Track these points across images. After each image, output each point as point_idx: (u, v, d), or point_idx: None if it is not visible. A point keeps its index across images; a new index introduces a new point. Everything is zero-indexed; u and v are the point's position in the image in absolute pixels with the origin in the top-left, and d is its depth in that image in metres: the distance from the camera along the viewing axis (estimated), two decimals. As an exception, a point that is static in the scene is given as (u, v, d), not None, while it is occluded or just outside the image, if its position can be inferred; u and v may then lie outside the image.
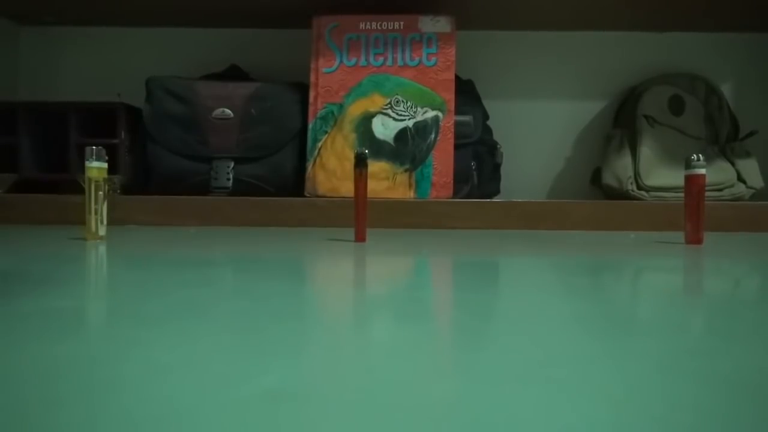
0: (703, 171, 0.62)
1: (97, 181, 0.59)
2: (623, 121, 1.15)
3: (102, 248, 0.53)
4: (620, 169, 1.09)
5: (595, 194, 1.20)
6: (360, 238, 0.62)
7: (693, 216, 0.62)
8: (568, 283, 0.36)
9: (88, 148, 0.59)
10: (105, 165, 0.60)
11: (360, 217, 0.62)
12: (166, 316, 0.25)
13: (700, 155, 0.62)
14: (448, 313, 0.26)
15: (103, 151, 0.60)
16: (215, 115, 1.03)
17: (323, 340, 0.21)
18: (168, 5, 1.11)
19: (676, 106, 1.13)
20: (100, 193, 0.59)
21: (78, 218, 0.95)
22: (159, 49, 1.23)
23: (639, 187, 1.08)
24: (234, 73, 1.13)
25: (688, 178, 0.63)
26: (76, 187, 1.03)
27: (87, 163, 0.59)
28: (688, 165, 0.63)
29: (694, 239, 0.63)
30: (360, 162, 0.61)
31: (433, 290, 0.33)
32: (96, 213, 0.59)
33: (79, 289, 0.32)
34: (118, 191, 1.04)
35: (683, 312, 0.27)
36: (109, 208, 0.99)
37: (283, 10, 1.12)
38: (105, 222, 0.60)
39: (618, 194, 1.09)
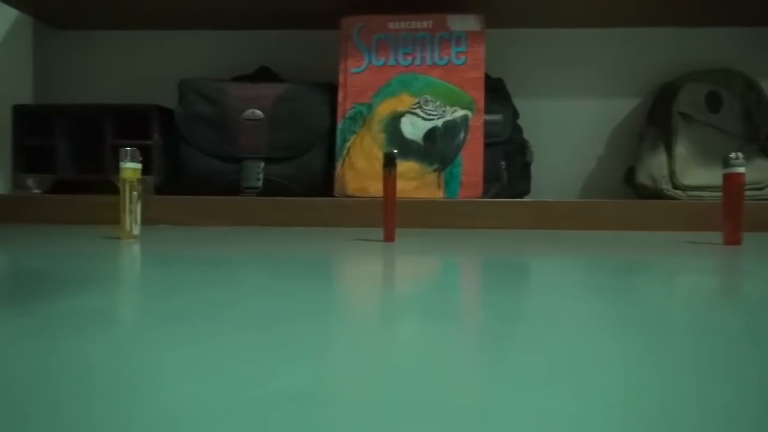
0: (742, 169, 0.61)
1: (131, 182, 0.60)
2: (657, 119, 1.13)
3: (136, 248, 0.54)
4: (655, 167, 1.07)
5: (628, 194, 1.18)
6: (389, 238, 0.62)
7: (732, 216, 0.61)
8: (597, 284, 0.35)
9: (122, 150, 0.60)
10: (139, 166, 0.61)
11: (389, 217, 0.62)
12: (193, 314, 0.25)
13: (739, 153, 0.61)
14: (474, 315, 0.26)
15: (138, 153, 0.61)
16: (245, 116, 1.04)
17: (347, 341, 0.21)
18: (200, 9, 1.13)
19: (713, 102, 1.10)
20: (135, 193, 0.60)
21: (112, 218, 0.97)
22: (192, 52, 1.25)
23: (675, 186, 1.05)
24: (264, 75, 1.14)
25: (727, 177, 0.61)
26: (110, 187, 1.05)
27: (121, 164, 0.60)
28: (727, 163, 0.61)
29: (733, 240, 0.61)
30: (389, 162, 0.61)
31: (460, 291, 0.33)
32: (130, 213, 0.60)
33: (113, 288, 0.32)
34: (152, 191, 1.06)
35: (717, 316, 0.26)
36: (142, 208, 1.01)
37: (312, 11, 1.12)
38: (139, 222, 0.61)
39: (652, 193, 1.06)
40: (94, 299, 0.29)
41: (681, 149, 1.06)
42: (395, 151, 0.62)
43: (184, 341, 0.21)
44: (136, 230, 0.61)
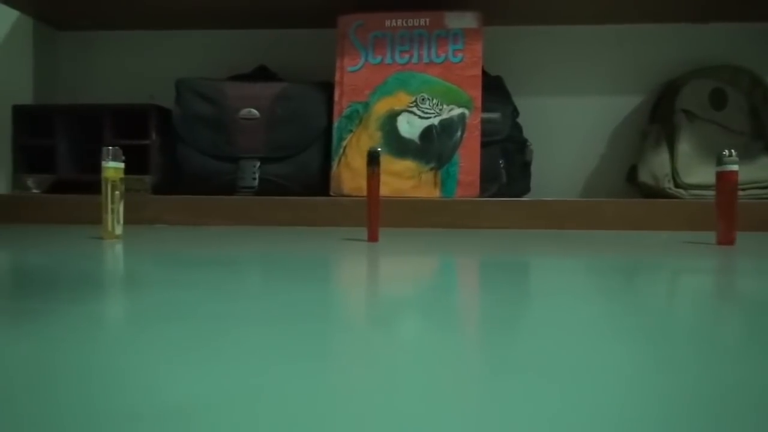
0: (735, 167, 0.59)
1: (113, 181, 0.60)
2: (660, 117, 1.11)
3: (116, 248, 0.54)
4: (657, 166, 1.05)
5: (630, 192, 1.16)
6: (373, 237, 0.61)
7: (725, 215, 0.59)
8: (575, 285, 0.34)
9: (104, 149, 0.59)
10: (122, 165, 0.61)
11: (373, 216, 0.61)
12: (150, 317, 0.24)
13: (733, 151, 0.59)
14: (440, 318, 0.25)
15: (120, 152, 0.60)
16: (242, 115, 1.04)
17: (277, 345, 0.20)
18: (198, 8, 1.13)
19: (718, 100, 1.07)
20: (117, 192, 0.60)
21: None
22: (190, 52, 1.25)
23: (677, 185, 1.03)
24: (262, 74, 1.14)
25: (720, 175, 0.59)
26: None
27: (103, 164, 0.59)
28: (720, 161, 0.60)
29: (726, 240, 0.59)
30: (372, 160, 0.60)
31: (429, 292, 0.32)
32: (113, 212, 0.60)
33: (73, 290, 0.32)
34: (149, 191, 1.06)
35: (692, 319, 0.25)
36: (140, 207, 1.01)
37: (309, 9, 1.12)
38: (122, 221, 0.61)
39: (654, 192, 1.04)
40: (36, 303, 0.28)
41: (684, 147, 1.04)
42: (379, 149, 0.61)
43: (128, 345, 0.20)
44: (119, 230, 0.61)
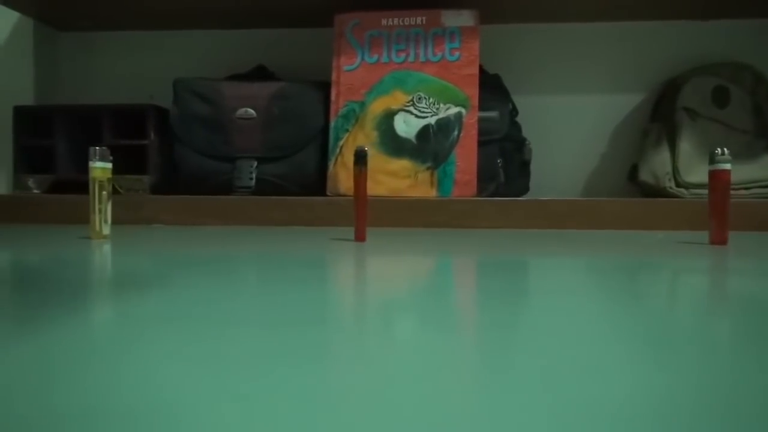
0: (728, 166, 0.58)
1: (100, 181, 0.60)
2: (661, 115, 1.09)
3: (101, 248, 0.54)
4: (657, 165, 1.03)
5: (632, 192, 1.15)
6: (360, 237, 0.61)
7: (718, 214, 0.58)
8: (552, 285, 0.33)
9: (91, 149, 0.60)
10: (109, 165, 0.61)
11: (360, 215, 0.61)
12: (115, 318, 0.24)
13: (725, 149, 0.58)
14: (414, 320, 0.24)
15: (107, 152, 0.60)
16: (239, 115, 1.04)
17: (244, 347, 0.20)
18: (197, 8, 1.13)
19: (720, 97, 1.06)
20: (104, 192, 0.60)
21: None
22: (190, 52, 1.26)
23: (678, 184, 1.02)
24: (260, 73, 1.14)
25: (713, 174, 0.58)
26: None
27: (90, 164, 0.60)
28: (713, 159, 0.58)
29: (719, 239, 0.58)
30: (359, 159, 0.60)
31: (407, 293, 0.31)
32: (100, 212, 0.60)
33: (43, 289, 0.32)
34: (147, 191, 1.06)
35: (667, 319, 0.24)
36: (137, 207, 1.02)
37: (307, 8, 1.12)
38: (109, 221, 0.61)
39: (655, 191, 1.03)
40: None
41: (685, 146, 1.02)
42: (366, 148, 0.61)
43: (79, 345, 0.20)
44: (106, 230, 0.61)
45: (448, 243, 0.63)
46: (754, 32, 1.14)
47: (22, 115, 1.10)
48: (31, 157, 1.11)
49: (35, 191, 1.10)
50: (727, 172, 0.57)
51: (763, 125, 1.06)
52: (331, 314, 0.25)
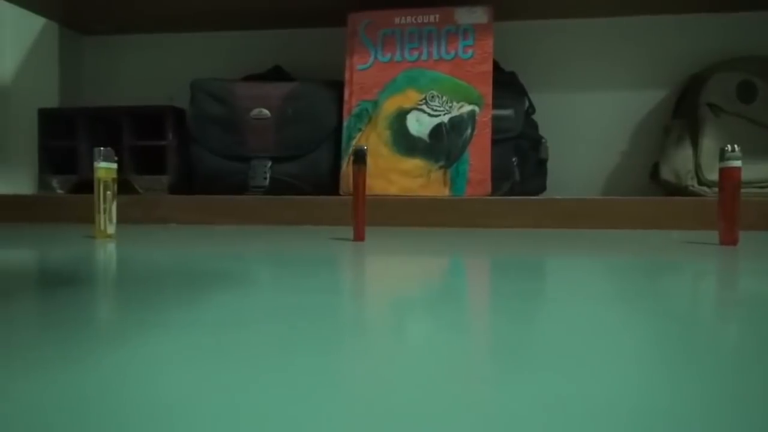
0: (738, 163, 0.55)
1: (105, 181, 0.61)
2: (684, 112, 1.06)
3: (104, 247, 0.55)
4: (679, 163, 1.00)
5: (654, 190, 1.11)
6: (359, 237, 0.60)
7: (727, 214, 0.56)
8: (548, 286, 0.32)
9: (96, 149, 0.61)
10: (114, 165, 0.62)
11: (359, 215, 0.60)
12: (93, 319, 0.25)
13: (736, 146, 0.55)
14: (395, 329, 0.24)
15: (112, 152, 0.61)
16: (253, 115, 1.05)
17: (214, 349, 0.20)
18: (216, 10, 1.14)
19: (746, 92, 1.02)
20: (109, 192, 0.61)
21: (128, 216, 1.00)
22: (209, 53, 1.27)
23: (700, 182, 0.99)
24: (276, 74, 1.15)
25: (722, 172, 0.56)
26: (128, 187, 1.08)
27: (95, 164, 0.61)
28: (723, 156, 0.56)
29: (729, 239, 0.56)
30: (359, 158, 0.60)
31: (398, 296, 0.31)
32: (105, 212, 0.61)
33: (36, 288, 0.32)
34: (166, 191, 1.08)
35: (660, 322, 0.23)
36: (154, 206, 1.03)
37: (321, 8, 1.12)
38: (114, 221, 0.62)
39: (677, 190, 1.00)
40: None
41: (708, 143, 0.99)
42: (365, 147, 0.61)
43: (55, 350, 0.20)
44: (111, 229, 0.62)
45: (451, 243, 0.62)
46: (783, 24, 1.09)
47: (46, 117, 1.13)
48: (55, 158, 1.14)
49: (59, 191, 1.12)
50: (738, 169, 0.55)
51: (792, 121, 1.01)
52: (302, 315, 0.25)
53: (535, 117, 1.09)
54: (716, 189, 0.97)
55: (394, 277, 0.37)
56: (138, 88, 1.30)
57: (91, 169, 1.14)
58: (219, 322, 0.24)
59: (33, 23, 1.20)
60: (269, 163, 1.05)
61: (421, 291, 0.32)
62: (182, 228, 0.87)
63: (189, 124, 1.07)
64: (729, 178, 0.55)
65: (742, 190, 0.95)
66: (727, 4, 1.07)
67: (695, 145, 1.00)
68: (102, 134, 1.15)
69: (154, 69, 1.30)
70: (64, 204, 1.05)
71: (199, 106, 1.07)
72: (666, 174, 1.02)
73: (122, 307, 0.27)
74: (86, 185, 1.13)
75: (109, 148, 0.61)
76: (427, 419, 0.13)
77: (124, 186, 1.06)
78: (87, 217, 1.03)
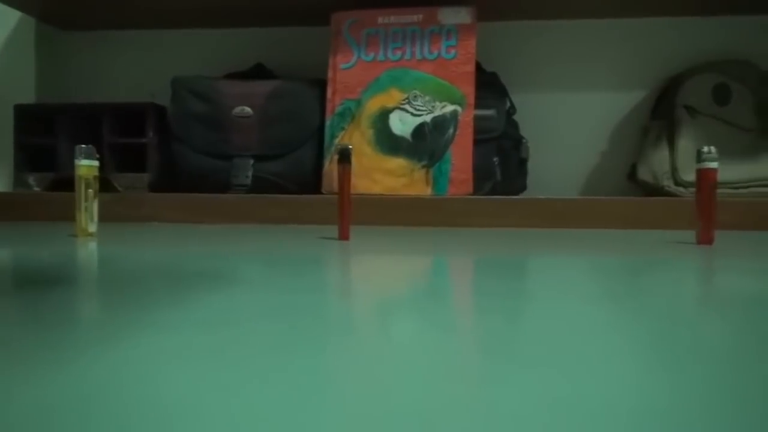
0: (715, 164, 0.57)
1: (86, 179, 0.60)
2: (661, 113, 1.08)
3: (85, 246, 0.55)
4: (656, 163, 1.02)
5: (632, 191, 1.13)
6: (344, 236, 0.61)
7: (704, 214, 0.57)
8: (521, 285, 0.33)
9: (77, 147, 0.60)
10: (96, 163, 0.61)
11: (344, 214, 0.60)
12: (72, 317, 0.24)
13: (712, 148, 0.57)
14: (376, 324, 0.24)
15: (93, 150, 0.61)
16: (236, 113, 1.04)
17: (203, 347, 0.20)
18: (198, 7, 1.13)
19: (722, 95, 1.04)
20: (90, 190, 0.61)
21: (108, 215, 0.99)
22: (191, 50, 1.26)
23: (676, 183, 1.01)
24: (258, 72, 1.14)
25: (699, 173, 0.58)
26: (107, 185, 1.07)
27: (76, 162, 0.60)
28: (699, 158, 0.58)
29: (705, 239, 0.57)
30: (343, 158, 0.60)
31: (388, 295, 0.31)
32: (86, 210, 0.61)
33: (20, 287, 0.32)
34: (147, 189, 1.07)
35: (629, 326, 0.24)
36: (136, 205, 1.02)
37: (305, 7, 1.12)
38: (95, 219, 0.62)
39: (654, 190, 1.02)
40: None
41: (684, 144, 1.01)
42: (350, 146, 0.61)
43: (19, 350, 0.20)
44: (92, 227, 0.62)
45: (436, 242, 0.62)
46: (757, 28, 1.12)
47: (22, 114, 1.11)
48: (31, 155, 1.12)
49: (36, 189, 1.11)
50: (714, 171, 0.57)
51: (766, 123, 1.04)
52: (295, 314, 0.25)
53: (515, 117, 1.10)
54: (692, 189, 0.99)
55: (383, 276, 0.37)
56: (118, 85, 1.28)
57: (70, 166, 1.13)
58: (212, 321, 0.24)
59: (8, 18, 1.18)
60: (252, 162, 1.04)
61: (410, 290, 0.32)
62: (164, 227, 0.87)
63: (170, 122, 1.06)
64: (706, 179, 0.57)
65: (717, 191, 0.98)
66: (704, 8, 1.09)
67: (672, 146, 1.02)
68: (81, 131, 1.13)
69: (134, 66, 1.28)
70: (42, 202, 1.03)
71: (181, 103, 1.06)
72: (643, 174, 1.04)
73: (112, 307, 0.27)
74: (64, 183, 1.11)
75: (90, 146, 0.60)
76: (421, 417, 0.14)
77: (103, 184, 1.05)
78: (66, 216, 1.01)
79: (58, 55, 1.29)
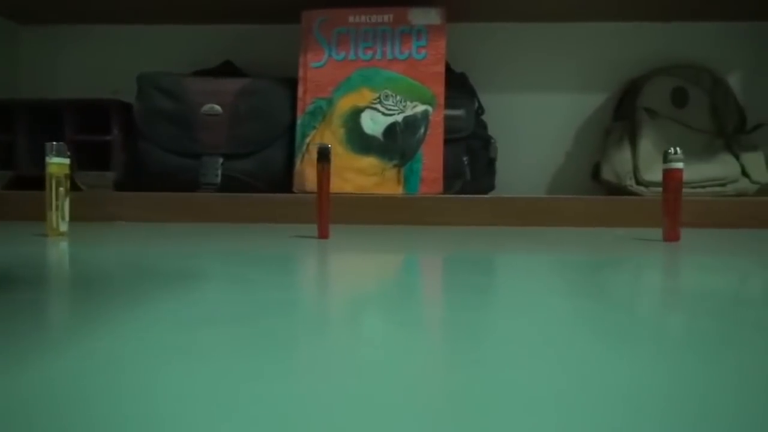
0: (680, 165, 0.59)
1: (57, 177, 0.59)
2: (623, 115, 1.12)
3: (57, 245, 0.53)
4: (619, 163, 1.05)
5: (596, 190, 1.17)
6: (323, 234, 0.61)
7: (670, 212, 0.60)
8: (493, 282, 0.34)
9: (48, 144, 0.58)
10: (67, 161, 0.60)
11: (323, 212, 0.61)
12: (65, 316, 0.24)
13: (678, 149, 0.59)
14: (362, 316, 0.25)
15: (64, 147, 0.59)
16: (204, 111, 1.03)
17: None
18: (163, 2, 1.11)
19: (679, 98, 1.08)
20: (61, 189, 0.59)
21: (73, 214, 0.96)
22: (156, 46, 1.24)
23: (638, 182, 1.04)
24: (227, 69, 1.13)
25: (666, 173, 0.60)
26: (71, 183, 1.04)
27: (47, 159, 0.58)
28: (666, 158, 0.60)
29: (672, 236, 0.60)
30: (323, 156, 0.60)
31: (366, 290, 0.31)
32: (57, 209, 0.59)
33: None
34: (111, 188, 1.05)
35: (609, 317, 0.25)
36: (101, 204, 1.00)
37: (274, 4, 1.11)
38: (67, 218, 0.60)
39: (617, 190, 1.05)
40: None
41: (645, 145, 1.05)
42: (329, 145, 0.61)
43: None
44: (64, 227, 0.60)
45: (410, 240, 0.63)
46: (713, 35, 1.17)
47: (-21, 110, 1.07)
48: (-12, 153, 1.08)
49: (-6, 187, 1.07)
50: (680, 171, 0.59)
51: (719, 125, 1.09)
52: (294, 310, 0.26)
53: (483, 117, 1.12)
54: (653, 189, 1.03)
55: (370, 273, 0.38)
56: (78, 81, 1.25)
57: (29, 164, 1.09)
58: (205, 320, 0.24)
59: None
60: (221, 160, 1.03)
61: (401, 286, 0.33)
62: (132, 226, 0.85)
63: (136, 119, 1.04)
64: (672, 179, 0.59)
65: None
66: (664, 14, 1.14)
67: (633, 147, 1.06)
68: (41, 128, 1.10)
69: (96, 61, 1.25)
70: (2, 201, 1.00)
71: (147, 100, 1.04)
72: (607, 174, 1.07)
73: (108, 305, 0.26)
74: (24, 181, 1.08)
75: (61, 143, 0.59)
76: (416, 412, 0.14)
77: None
78: (28, 215, 0.98)
79: (16, 50, 1.25)
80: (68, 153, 0.60)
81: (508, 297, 0.29)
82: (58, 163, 0.59)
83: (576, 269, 0.41)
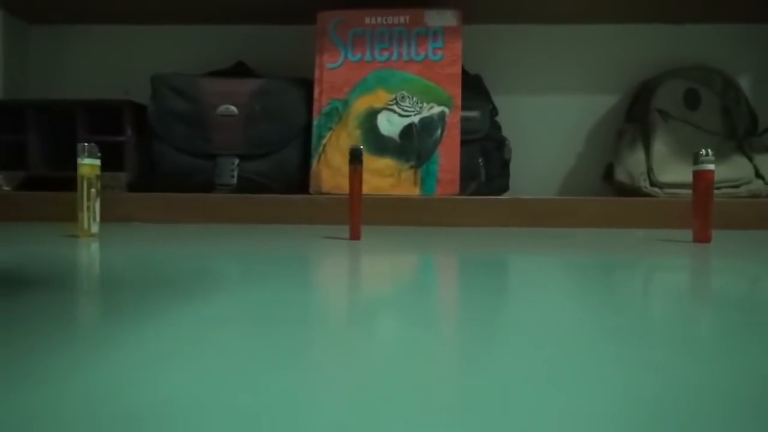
0: (712, 166, 0.60)
1: (89, 178, 0.59)
2: (636, 116, 1.12)
3: (92, 247, 0.53)
4: (632, 165, 1.06)
5: (607, 191, 1.17)
6: (355, 236, 0.61)
7: (701, 213, 0.60)
8: (556, 283, 0.34)
9: (80, 145, 0.58)
10: (98, 162, 0.60)
11: (355, 214, 0.61)
12: (126, 317, 0.24)
13: (709, 150, 0.60)
14: (421, 318, 0.25)
15: (96, 148, 0.59)
16: (219, 112, 1.03)
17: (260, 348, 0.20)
18: (175, 2, 1.11)
19: (691, 100, 1.09)
20: (93, 190, 0.59)
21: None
22: (167, 47, 1.23)
23: (652, 184, 1.05)
24: (240, 70, 1.13)
25: (697, 174, 0.60)
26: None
27: (79, 160, 0.58)
28: (697, 160, 0.61)
29: (702, 237, 0.60)
30: (355, 158, 0.60)
31: (414, 291, 0.31)
32: (89, 210, 0.59)
33: (50, 289, 0.31)
34: (125, 188, 1.04)
35: (674, 317, 0.25)
36: (115, 205, 0.99)
37: (289, 5, 1.11)
38: (98, 219, 0.60)
39: (630, 191, 1.06)
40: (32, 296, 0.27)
41: (659, 146, 1.05)
42: (362, 147, 0.61)
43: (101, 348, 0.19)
44: (95, 228, 0.60)
45: (439, 241, 0.63)
46: (725, 37, 1.18)
47: (-10, 110, 1.06)
48: (0, 154, 1.07)
49: (5, 188, 1.06)
50: (711, 172, 0.60)
51: (731, 127, 1.10)
52: (337, 312, 0.26)
53: (497, 119, 1.12)
54: (667, 190, 1.04)
55: (414, 275, 0.38)
56: (89, 81, 1.24)
57: (41, 164, 1.08)
58: (279, 318, 0.24)
59: (-27, 9, 1.13)
60: (236, 161, 1.03)
61: (456, 283, 0.33)
62: (150, 226, 0.85)
63: (151, 120, 1.03)
64: (703, 180, 0.60)
65: (688, 191, 1.02)
66: (676, 16, 1.14)
67: (647, 148, 1.06)
68: (53, 128, 1.09)
69: (107, 62, 1.24)
70: (14, 202, 0.99)
71: (161, 101, 1.03)
72: (620, 175, 1.07)
73: (172, 301, 0.26)
74: (36, 181, 1.07)
75: (93, 144, 0.59)
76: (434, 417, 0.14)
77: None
78: (38, 216, 0.97)
79: (27, 50, 1.24)
80: (99, 154, 0.59)
81: (575, 301, 0.29)
82: (89, 164, 0.58)
83: (624, 272, 0.41)
